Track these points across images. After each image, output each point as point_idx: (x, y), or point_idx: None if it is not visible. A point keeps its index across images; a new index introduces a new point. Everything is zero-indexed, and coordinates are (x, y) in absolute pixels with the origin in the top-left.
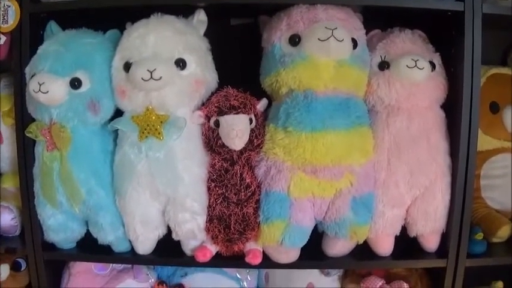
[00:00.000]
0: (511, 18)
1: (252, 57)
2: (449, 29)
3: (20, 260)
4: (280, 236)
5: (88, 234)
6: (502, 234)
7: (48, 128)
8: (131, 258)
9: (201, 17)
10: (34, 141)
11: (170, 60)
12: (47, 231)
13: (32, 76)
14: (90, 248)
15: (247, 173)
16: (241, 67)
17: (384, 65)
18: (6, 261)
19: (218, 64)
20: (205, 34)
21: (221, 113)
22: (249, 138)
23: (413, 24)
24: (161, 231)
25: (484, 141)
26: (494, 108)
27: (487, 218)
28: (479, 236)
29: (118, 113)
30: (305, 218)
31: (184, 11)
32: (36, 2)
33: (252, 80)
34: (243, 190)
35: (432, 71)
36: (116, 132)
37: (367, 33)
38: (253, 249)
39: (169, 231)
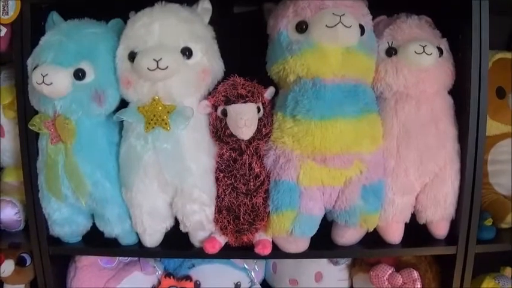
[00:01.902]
0: None
1: (256, 45)
2: (456, 14)
3: (24, 255)
4: (290, 225)
5: (94, 227)
6: (511, 219)
7: (52, 121)
8: (138, 251)
9: (205, 5)
10: (37, 134)
11: (176, 49)
12: (52, 226)
13: (35, 68)
14: (96, 242)
15: (255, 163)
16: (245, 55)
17: (391, 51)
18: (11, 256)
19: (222, 53)
20: (209, 22)
21: (228, 102)
22: (257, 127)
23: (419, 9)
24: (169, 224)
25: (491, 127)
26: (501, 93)
27: (495, 204)
28: (489, 221)
29: (123, 103)
30: (315, 207)
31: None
32: None
33: (256, 68)
34: (252, 180)
35: (440, 56)
36: (121, 123)
37: (373, 20)
38: (262, 239)
39: (176, 223)
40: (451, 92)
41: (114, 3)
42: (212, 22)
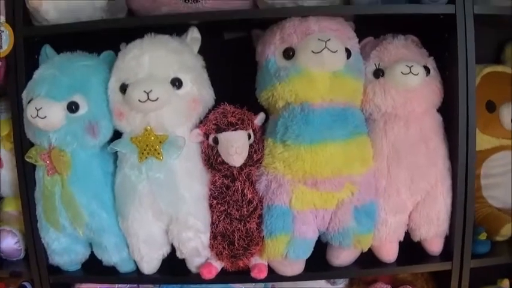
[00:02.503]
0: (502, 16)
1: (248, 71)
2: (443, 31)
3: (26, 283)
4: (284, 249)
5: (93, 255)
6: (505, 232)
7: (47, 153)
8: (137, 278)
9: (194, 35)
10: (34, 166)
11: (166, 80)
12: (52, 255)
13: (29, 101)
14: (96, 269)
15: (248, 189)
16: (236, 81)
17: (378, 73)
18: (12, 285)
19: (213, 79)
20: (199, 49)
21: (219, 130)
22: (249, 154)
23: (406, 28)
24: (165, 250)
25: (482, 141)
26: (491, 107)
27: (490, 217)
28: (483, 236)
29: (117, 133)
30: (308, 230)
31: (178, 29)
32: (29, 26)
33: (248, 93)
34: (245, 206)
35: (427, 75)
36: (116, 153)
37: (360, 42)
38: (258, 263)
39: (173, 249)
40: (441, 109)
41: (105, 35)
42: (203, 49)
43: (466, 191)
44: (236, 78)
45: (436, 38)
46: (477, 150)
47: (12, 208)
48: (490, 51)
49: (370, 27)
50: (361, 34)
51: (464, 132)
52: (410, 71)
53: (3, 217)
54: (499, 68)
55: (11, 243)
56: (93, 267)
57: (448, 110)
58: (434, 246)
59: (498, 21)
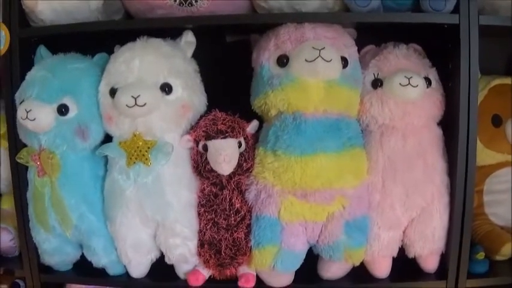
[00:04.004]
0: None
1: (250, 74)
2: (447, 41)
3: (18, 281)
4: (272, 261)
5: (84, 255)
6: (506, 252)
7: (38, 154)
8: (126, 281)
9: (188, 39)
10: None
11: (155, 85)
12: (43, 255)
13: (21, 102)
14: (87, 270)
15: (236, 198)
16: (238, 84)
17: (377, 83)
18: (5, 282)
19: (215, 81)
20: (202, 52)
21: (209, 137)
22: (238, 162)
23: (411, 37)
24: (154, 255)
25: (487, 156)
26: (496, 121)
27: (490, 235)
28: (481, 255)
29: (109, 136)
30: (297, 242)
31: (174, 32)
32: (26, 27)
33: (249, 98)
34: (232, 215)
35: (428, 87)
36: (107, 157)
37: (361, 49)
38: (246, 273)
39: (163, 254)
40: (443, 122)
41: (102, 36)
42: (204, 51)
43: (464, 208)
44: (238, 82)
45: (440, 48)
46: (481, 166)
47: (8, 206)
48: (501, 63)
49: (373, 35)
50: (364, 41)
51: (464, 147)
52: (409, 83)
53: (1, 214)
54: (507, 80)
55: (6, 240)
56: (85, 268)
57: (449, 124)
58: (429, 263)
59: (508, 32)
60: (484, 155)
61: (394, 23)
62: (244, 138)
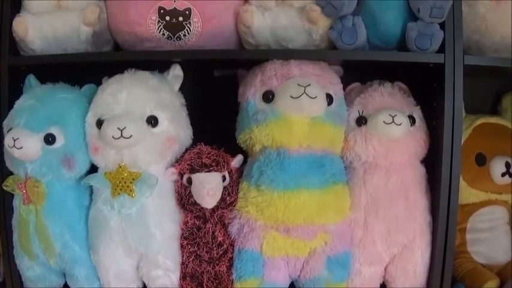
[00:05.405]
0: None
1: (236, 109)
2: (432, 80)
3: None
4: None
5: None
6: None
7: (23, 183)
8: None
9: (176, 72)
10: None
11: (141, 117)
12: (26, 282)
13: (9, 130)
14: None
15: (219, 231)
16: (225, 118)
17: (361, 121)
18: None
19: (202, 115)
20: (189, 85)
21: (193, 170)
22: (222, 196)
23: (397, 75)
24: (136, 286)
25: (470, 194)
26: (480, 160)
27: (473, 273)
28: None
29: (95, 167)
30: (278, 276)
31: (163, 65)
32: (15, 55)
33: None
34: (215, 248)
35: (412, 125)
36: (92, 187)
37: (346, 87)
38: None
39: (145, 285)
40: (426, 160)
41: (90, 68)
42: (192, 85)
43: (446, 246)
44: (224, 116)
45: (426, 87)
46: (464, 204)
47: None
48: (487, 102)
49: (359, 73)
50: (349, 79)
51: (447, 186)
52: (393, 121)
53: None
54: (492, 119)
55: None
56: None
57: (432, 162)
58: None
59: (495, 71)
60: (468, 194)
61: (379, 61)
62: (229, 173)
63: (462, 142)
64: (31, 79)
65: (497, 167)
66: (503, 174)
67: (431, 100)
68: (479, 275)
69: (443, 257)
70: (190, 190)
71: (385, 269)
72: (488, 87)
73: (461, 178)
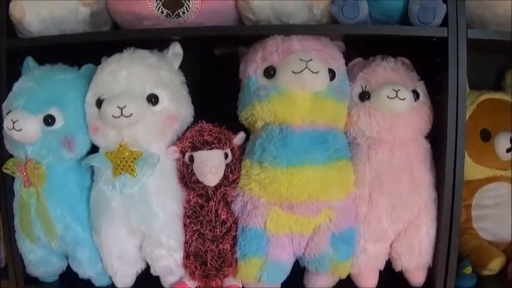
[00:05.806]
0: (502, 41)
1: (237, 86)
2: (435, 55)
3: None
4: (257, 272)
5: (70, 267)
6: (494, 266)
7: (24, 165)
8: None
9: (176, 50)
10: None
11: (141, 96)
12: (28, 266)
13: (8, 113)
14: (73, 281)
15: (222, 209)
16: (226, 96)
17: (364, 96)
18: None
19: (203, 93)
20: (190, 63)
21: (195, 148)
22: (224, 174)
23: (399, 50)
24: (140, 267)
25: (475, 170)
26: (485, 136)
27: (478, 250)
28: (468, 270)
29: (95, 147)
30: (283, 254)
31: (162, 44)
32: (13, 38)
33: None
34: (218, 226)
35: (416, 100)
36: (93, 167)
37: (349, 62)
38: (232, 285)
39: (148, 265)
40: (430, 136)
41: (90, 47)
42: (193, 64)
43: (452, 222)
44: (225, 94)
45: (429, 62)
46: (469, 180)
47: None
48: (491, 78)
49: (361, 48)
50: (352, 54)
51: (452, 161)
52: (397, 95)
53: None
54: (496, 95)
55: None
56: (70, 279)
57: (437, 137)
58: (416, 277)
59: (498, 46)
60: (473, 170)
61: (382, 36)
62: (231, 150)
63: (466, 118)
64: (29, 61)
65: (502, 142)
66: (508, 150)
67: (435, 75)
68: (485, 253)
69: (449, 233)
70: (192, 168)
71: (390, 246)
72: (492, 63)
73: (466, 154)
